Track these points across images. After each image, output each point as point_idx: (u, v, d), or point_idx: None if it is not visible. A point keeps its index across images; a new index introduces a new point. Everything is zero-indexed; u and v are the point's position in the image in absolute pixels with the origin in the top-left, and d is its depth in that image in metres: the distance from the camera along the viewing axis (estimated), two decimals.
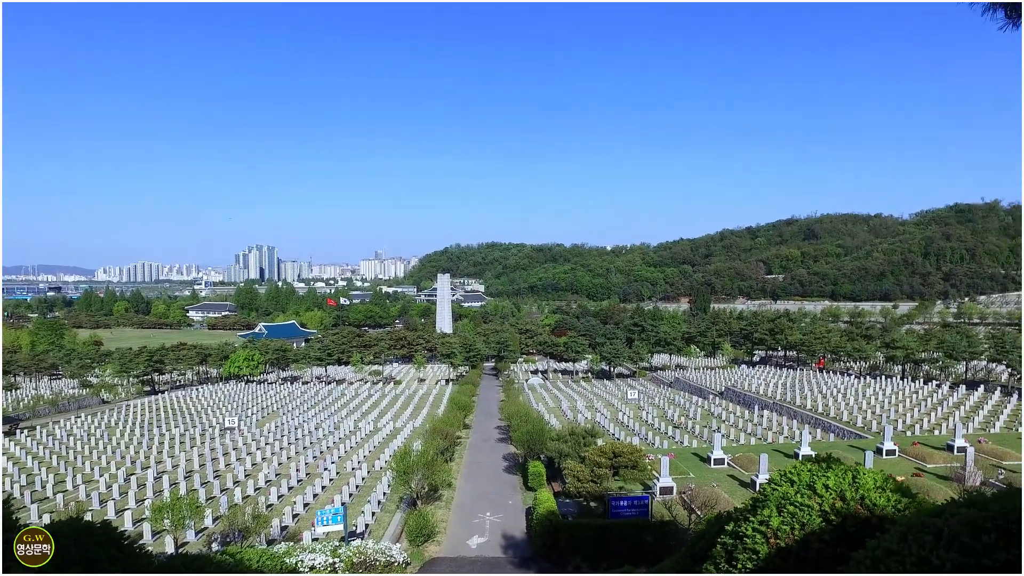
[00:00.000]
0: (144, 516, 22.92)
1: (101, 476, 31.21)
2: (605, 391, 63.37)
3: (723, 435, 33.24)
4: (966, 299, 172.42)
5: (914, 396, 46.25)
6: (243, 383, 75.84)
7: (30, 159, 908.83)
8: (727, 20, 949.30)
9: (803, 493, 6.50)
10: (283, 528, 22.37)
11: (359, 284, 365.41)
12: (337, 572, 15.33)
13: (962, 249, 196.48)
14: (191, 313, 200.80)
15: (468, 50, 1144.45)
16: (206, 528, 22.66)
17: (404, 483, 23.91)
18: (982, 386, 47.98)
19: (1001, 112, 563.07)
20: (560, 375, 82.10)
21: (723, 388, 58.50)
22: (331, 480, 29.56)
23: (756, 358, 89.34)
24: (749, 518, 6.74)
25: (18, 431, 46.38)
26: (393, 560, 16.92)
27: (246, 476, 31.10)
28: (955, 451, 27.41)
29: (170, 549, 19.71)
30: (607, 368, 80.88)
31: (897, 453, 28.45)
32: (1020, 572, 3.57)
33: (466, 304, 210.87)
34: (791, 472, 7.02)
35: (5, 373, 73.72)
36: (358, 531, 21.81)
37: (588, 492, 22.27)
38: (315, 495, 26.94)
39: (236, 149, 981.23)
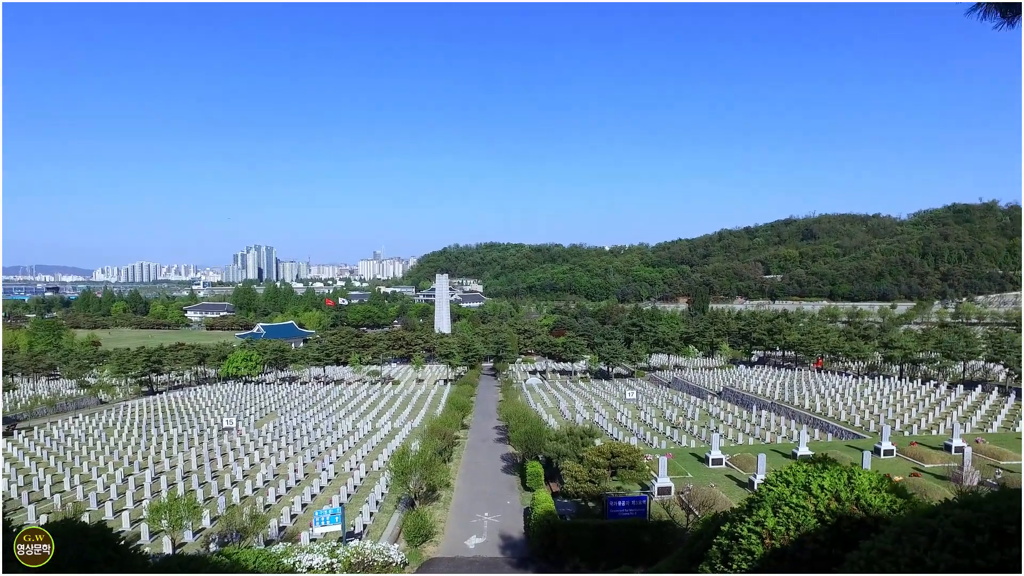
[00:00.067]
0: (142, 517, 22.91)
1: (99, 477, 31.12)
2: (603, 391, 63.40)
3: (721, 435, 33.24)
4: (964, 299, 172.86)
5: (912, 396, 46.32)
6: (241, 383, 75.77)
7: (29, 159, 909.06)
8: (727, 20, 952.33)
9: (798, 494, 6.51)
10: (281, 529, 22.36)
11: (357, 284, 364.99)
12: (335, 572, 15.30)
13: (960, 249, 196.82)
14: (189, 313, 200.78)
15: (468, 50, 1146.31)
16: (204, 529, 22.62)
17: (402, 483, 23.89)
18: (980, 386, 48.07)
19: (999, 112, 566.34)
20: (558, 375, 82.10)
21: (721, 388, 58.56)
22: (329, 480, 29.54)
23: (754, 358, 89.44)
24: (745, 519, 6.75)
25: (16, 431, 46.32)
26: (391, 560, 16.92)
27: (244, 476, 31.08)
28: (953, 451, 27.44)
29: (167, 550, 19.65)
30: (605, 368, 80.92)
31: (895, 453, 28.49)
32: (1020, 572, 3.57)
33: (464, 304, 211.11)
34: (787, 472, 7.03)
35: (3, 374, 73.52)
36: (356, 531, 21.80)
37: (586, 492, 22.27)
38: (313, 495, 26.93)
39: (235, 149, 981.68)
